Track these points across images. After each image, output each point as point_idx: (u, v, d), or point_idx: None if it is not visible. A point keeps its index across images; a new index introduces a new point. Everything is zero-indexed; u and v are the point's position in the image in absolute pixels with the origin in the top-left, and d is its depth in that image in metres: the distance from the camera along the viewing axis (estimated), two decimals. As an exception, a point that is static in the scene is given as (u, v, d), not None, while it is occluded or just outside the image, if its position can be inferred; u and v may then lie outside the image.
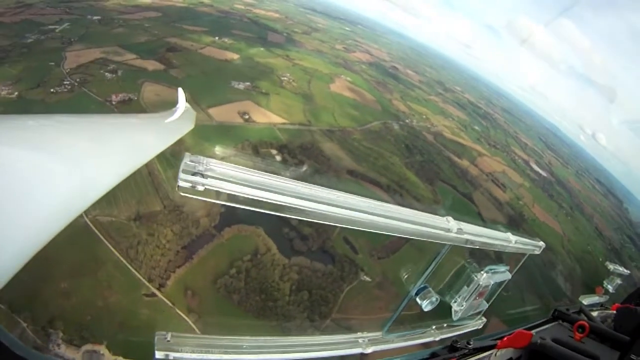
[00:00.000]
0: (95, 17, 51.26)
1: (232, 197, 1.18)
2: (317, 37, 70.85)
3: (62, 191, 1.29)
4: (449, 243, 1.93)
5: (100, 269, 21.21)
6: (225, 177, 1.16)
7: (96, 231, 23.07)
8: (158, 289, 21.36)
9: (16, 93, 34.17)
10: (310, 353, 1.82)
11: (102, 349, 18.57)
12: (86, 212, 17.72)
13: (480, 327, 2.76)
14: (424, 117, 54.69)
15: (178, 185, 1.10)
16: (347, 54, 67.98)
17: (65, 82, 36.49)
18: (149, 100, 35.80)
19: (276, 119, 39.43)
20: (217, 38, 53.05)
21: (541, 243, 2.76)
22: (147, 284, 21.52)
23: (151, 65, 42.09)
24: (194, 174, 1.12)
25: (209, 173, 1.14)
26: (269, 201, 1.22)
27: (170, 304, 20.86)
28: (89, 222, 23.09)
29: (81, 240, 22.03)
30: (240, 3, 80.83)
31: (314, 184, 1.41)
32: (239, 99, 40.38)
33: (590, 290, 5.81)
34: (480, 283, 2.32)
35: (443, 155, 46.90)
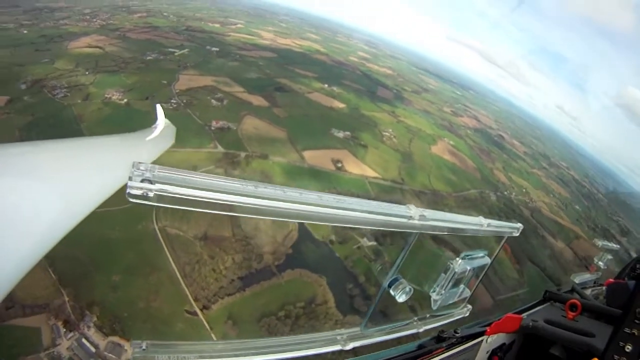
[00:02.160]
0: (214, 48, 56.14)
1: (181, 201, 1.22)
2: (426, 97, 71.38)
3: (47, 214, 1.41)
4: (415, 231, 1.94)
5: (153, 274, 22.40)
6: (173, 181, 1.20)
7: (161, 239, 24.42)
8: (201, 309, 21.76)
9: (125, 100, 38.48)
10: (288, 353, 1.83)
11: (127, 346, 19.13)
12: (156, 220, 22.00)
13: (467, 314, 2.72)
14: (524, 190, 52.89)
15: (128, 193, 1.13)
16: (454, 117, 67.50)
17: (172, 101, 40.04)
18: (246, 132, 37.78)
19: (369, 172, 39.36)
20: (326, 85, 54.85)
21: (518, 225, 2.70)
22: (193, 301, 22.05)
23: (257, 100, 44.55)
24: (142, 180, 1.16)
25: (157, 179, 1.18)
26: (220, 202, 1.28)
27: (208, 326, 21.27)
28: (157, 230, 24.70)
29: (145, 243, 23.98)
30: (355, 56, 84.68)
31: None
32: (335, 147, 41.14)
33: None
34: (456, 270, 2.29)
35: (537, 234, 44.57)
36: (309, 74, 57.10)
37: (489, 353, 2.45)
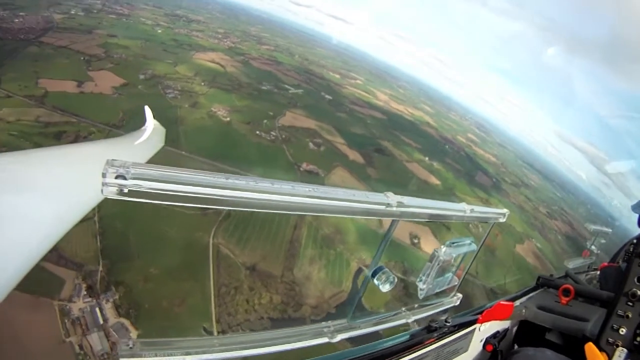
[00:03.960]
0: (327, 96, 57.99)
1: (156, 195, 1.24)
2: (524, 192, 68.85)
3: (42, 219, 1.57)
4: (394, 218, 1.95)
5: (189, 281, 23.19)
6: (147, 176, 1.23)
7: (211, 254, 25.46)
8: (219, 332, 21.91)
9: (228, 119, 40.62)
10: (276, 347, 1.85)
11: (133, 332, 20.51)
12: (214, 235, 23.25)
13: (457, 303, 2.62)
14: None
15: (102, 190, 1.16)
16: (548, 219, 63.59)
17: (272, 132, 41.49)
18: (333, 181, 37.86)
19: (443, 257, 37.95)
20: (427, 158, 54.20)
21: (505, 210, 2.69)
22: (214, 321, 22.48)
23: (353, 155, 44.78)
24: (116, 177, 1.19)
25: (131, 175, 1.21)
26: (194, 195, 1.30)
27: (217, 349, 21.29)
28: (211, 244, 25.83)
29: (195, 252, 25.05)
30: (463, 136, 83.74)
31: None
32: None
33: None
34: (441, 258, 2.28)
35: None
36: (413, 144, 57.09)
37: (482, 341, 2.42)
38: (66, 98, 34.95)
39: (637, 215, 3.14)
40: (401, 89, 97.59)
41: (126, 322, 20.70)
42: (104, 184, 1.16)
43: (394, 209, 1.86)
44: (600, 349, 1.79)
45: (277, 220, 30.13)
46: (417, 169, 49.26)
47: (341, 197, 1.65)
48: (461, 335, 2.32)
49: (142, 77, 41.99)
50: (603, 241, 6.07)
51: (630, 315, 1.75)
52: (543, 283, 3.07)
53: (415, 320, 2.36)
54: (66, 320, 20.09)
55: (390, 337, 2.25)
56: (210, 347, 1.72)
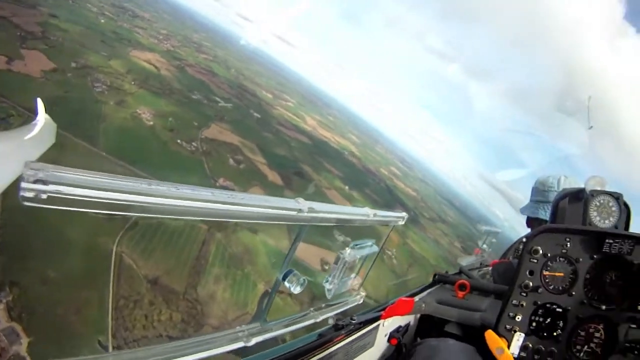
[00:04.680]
0: (256, 114, 58.91)
1: (75, 202, 1.17)
2: (440, 227, 72.09)
3: None
4: (304, 223, 2.06)
5: (87, 290, 22.08)
6: (68, 181, 1.15)
7: (113, 263, 24.80)
8: (114, 347, 21.39)
9: (152, 123, 40.57)
10: (191, 356, 1.81)
11: (24, 340, 19.47)
12: (118, 243, 23.34)
13: (361, 301, 2.91)
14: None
15: (20, 196, 1.08)
16: (462, 253, 65.85)
17: (193, 143, 41.93)
18: None
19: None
20: (347, 187, 56.15)
21: (404, 214, 2.94)
22: (110, 336, 21.84)
23: (273, 176, 46.03)
24: (35, 181, 1.10)
25: (51, 179, 1.13)
26: (114, 202, 1.24)
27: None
28: (114, 252, 24.97)
29: (97, 259, 24.35)
30: (386, 169, 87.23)
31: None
32: (330, 249, 41.22)
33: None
34: (346, 259, 2.43)
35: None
36: (335, 171, 58.96)
37: (387, 336, 2.58)
38: (-9, 73, 33.33)
39: (525, 217, 3.61)
40: (331, 117, 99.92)
41: (18, 327, 19.80)
42: (22, 189, 1.07)
43: (305, 214, 1.93)
44: (500, 335, 1.99)
45: (186, 233, 30.19)
46: (335, 197, 50.71)
47: (254, 203, 1.69)
48: (367, 332, 2.41)
49: (73, 65, 41.40)
50: (494, 240, 6.65)
51: (524, 304, 1.97)
52: (439, 279, 3.33)
53: (324, 320, 2.50)
54: (-52, 327, 19.43)
55: (300, 338, 2.30)
56: None
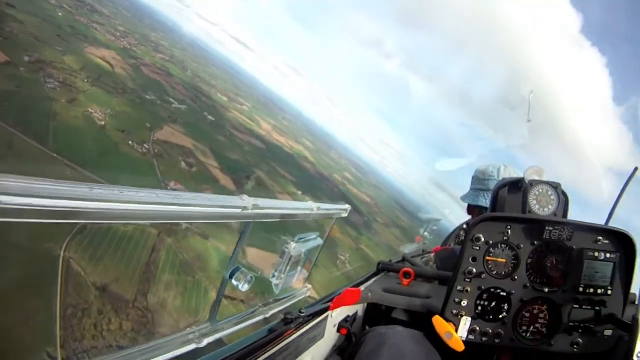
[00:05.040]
0: (210, 117, 58.91)
1: (12, 213, 1.05)
2: (394, 233, 72.74)
3: None
4: (250, 220, 2.06)
5: (34, 299, 20.79)
6: (10, 190, 1.03)
7: (60, 270, 24.23)
8: (63, 358, 20.76)
9: (103, 123, 40.33)
10: None
11: None
12: (65, 248, 22.83)
13: (308, 294, 2.97)
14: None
15: None
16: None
17: (145, 145, 41.81)
18: None
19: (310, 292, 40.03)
20: (300, 192, 56.68)
21: (347, 206, 3.02)
22: (59, 347, 21.11)
23: (225, 180, 46.23)
24: None
25: None
26: (53, 209, 1.14)
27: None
28: (61, 258, 24.48)
29: (43, 266, 23.14)
30: (340, 175, 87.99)
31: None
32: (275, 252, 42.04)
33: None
34: (292, 253, 2.46)
35: None
36: (288, 176, 59.31)
37: (336, 326, 2.58)
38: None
39: (466, 205, 3.65)
40: (286, 122, 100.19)
41: None
42: None
43: (250, 211, 1.90)
44: (447, 320, 2.04)
45: (136, 239, 29.68)
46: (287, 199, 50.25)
47: (199, 203, 1.62)
48: (316, 324, 2.39)
49: (27, 59, 40.44)
50: (435, 228, 6.75)
51: (469, 289, 2.03)
52: (383, 268, 3.31)
53: (273, 315, 2.51)
54: None
55: (251, 335, 2.24)
56: None
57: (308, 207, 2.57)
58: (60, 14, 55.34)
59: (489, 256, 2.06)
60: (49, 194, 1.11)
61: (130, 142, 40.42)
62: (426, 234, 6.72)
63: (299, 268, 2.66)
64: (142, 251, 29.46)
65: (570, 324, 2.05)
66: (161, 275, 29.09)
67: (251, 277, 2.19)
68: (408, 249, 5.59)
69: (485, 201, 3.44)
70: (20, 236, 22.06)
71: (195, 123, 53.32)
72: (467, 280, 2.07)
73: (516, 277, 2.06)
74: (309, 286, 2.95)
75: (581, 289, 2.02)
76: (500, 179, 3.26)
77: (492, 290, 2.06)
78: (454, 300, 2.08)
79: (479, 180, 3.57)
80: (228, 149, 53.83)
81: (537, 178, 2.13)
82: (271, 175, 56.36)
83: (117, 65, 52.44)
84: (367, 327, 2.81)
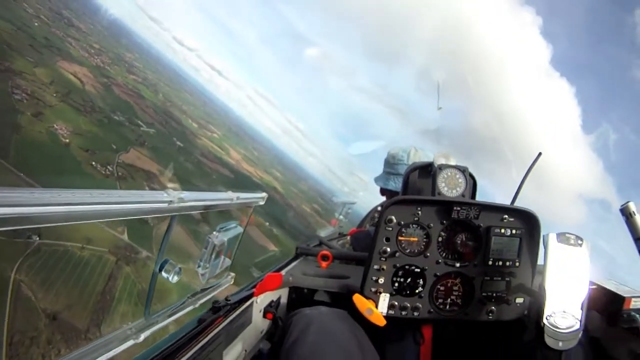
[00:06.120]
0: (179, 143, 58.44)
1: None
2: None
3: None
4: (175, 214, 1.96)
5: None
6: None
7: (9, 292, 23.71)
8: None
9: (68, 141, 39.61)
10: None
11: None
12: (17, 269, 21.91)
13: (232, 282, 2.91)
14: None
15: None
16: None
17: (109, 166, 41.37)
18: (161, 231, 37.34)
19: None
20: (267, 224, 56.10)
21: (264, 194, 2.94)
22: None
23: None
24: None
25: None
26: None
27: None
28: (11, 280, 24.13)
29: None
30: (308, 206, 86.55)
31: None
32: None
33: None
34: (215, 242, 2.37)
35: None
36: (261, 211, 58.12)
37: (262, 312, 2.65)
38: None
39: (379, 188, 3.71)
40: (256, 151, 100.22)
41: None
42: None
43: (176, 205, 1.73)
44: (367, 298, 2.12)
45: (92, 265, 29.22)
46: (256, 234, 50.60)
47: (123, 200, 1.39)
48: (242, 310, 2.42)
49: None
50: (350, 211, 6.84)
51: (385, 268, 2.10)
52: (301, 252, 3.39)
53: (201, 304, 2.40)
54: None
55: (183, 326, 2.21)
56: None
57: (228, 197, 2.42)
58: (36, 24, 55.02)
59: (402, 236, 2.14)
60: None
61: (93, 163, 39.80)
62: (341, 217, 6.82)
63: (222, 256, 2.55)
64: (97, 278, 28.81)
65: (483, 294, 2.17)
66: (117, 305, 28.28)
67: (179, 268, 2.06)
68: (324, 232, 5.72)
69: (394, 184, 3.53)
70: None
71: (163, 148, 52.99)
72: (382, 259, 2.14)
73: (428, 254, 2.15)
74: (232, 274, 2.87)
75: (490, 263, 2.13)
76: (410, 162, 3.35)
77: (406, 267, 2.15)
78: (372, 279, 2.15)
79: (389, 164, 3.62)
80: (195, 176, 53.38)
81: (444, 161, 2.22)
82: (267, 226, 55.82)
83: (88, 83, 51.96)
84: (291, 311, 2.67)
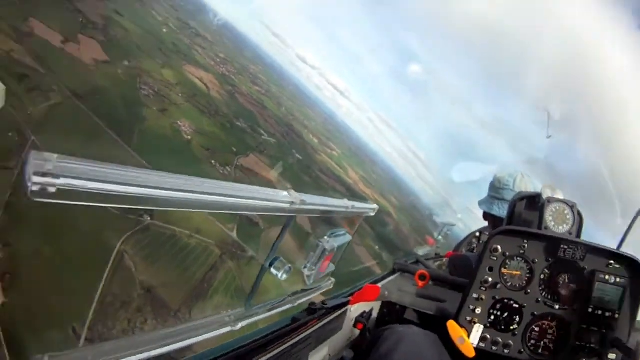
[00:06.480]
0: (298, 155, 57.91)
1: (87, 196, 1.13)
2: None
3: None
4: (294, 215, 2.15)
5: (79, 274, 22.35)
6: (79, 174, 1.10)
7: (112, 259, 24.69)
8: (87, 339, 20.88)
9: (190, 138, 40.50)
10: (186, 341, 1.84)
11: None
12: (124, 241, 23.78)
13: (331, 287, 3.07)
14: None
15: (29, 191, 1.01)
16: None
17: (228, 168, 41.32)
18: (270, 237, 37.88)
19: None
20: (377, 247, 53.70)
21: (375, 205, 3.22)
22: (86, 327, 21.34)
23: (302, 221, 42.93)
24: (44, 174, 1.02)
25: (60, 171, 1.06)
26: (123, 194, 1.21)
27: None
28: (116, 249, 25.26)
29: (98, 250, 24.62)
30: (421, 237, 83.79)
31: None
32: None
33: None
34: (326, 247, 2.56)
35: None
36: (368, 229, 55.16)
37: (353, 321, 2.76)
38: (46, 47, 34.23)
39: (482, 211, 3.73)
40: (374, 174, 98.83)
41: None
42: (32, 182, 1.00)
43: (297, 206, 2.00)
44: (460, 326, 2.09)
45: (197, 253, 29.53)
46: (364, 255, 49.11)
47: (248, 195, 1.72)
48: (337, 316, 2.57)
49: (126, 63, 41.54)
50: (448, 233, 7.21)
51: (483, 298, 2.11)
52: (399, 268, 3.49)
53: (299, 304, 2.65)
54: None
55: (278, 321, 2.45)
56: (123, 350, 1.63)
57: (344, 204, 2.73)
58: (164, 31, 57.54)
59: (505, 268, 2.15)
60: (115, 180, 1.19)
61: (212, 161, 40.19)
62: (440, 237, 7.03)
63: (329, 262, 2.78)
64: (200, 267, 29.46)
65: (577, 343, 2.11)
66: (213, 294, 28.61)
67: (289, 267, 2.33)
68: (422, 251, 5.99)
69: (498, 210, 3.47)
70: (85, 219, 22.89)
71: (282, 158, 52.72)
72: (482, 288, 2.15)
73: (529, 291, 2.13)
74: (333, 279, 3.09)
75: (590, 310, 2.07)
76: (516, 188, 3.38)
77: (505, 301, 2.14)
78: (469, 307, 2.16)
79: (495, 188, 3.59)
80: (311, 189, 51.16)
81: (550, 193, 2.20)
82: (351, 225, 53.69)
83: (213, 89, 53.14)
84: (380, 325, 3.03)
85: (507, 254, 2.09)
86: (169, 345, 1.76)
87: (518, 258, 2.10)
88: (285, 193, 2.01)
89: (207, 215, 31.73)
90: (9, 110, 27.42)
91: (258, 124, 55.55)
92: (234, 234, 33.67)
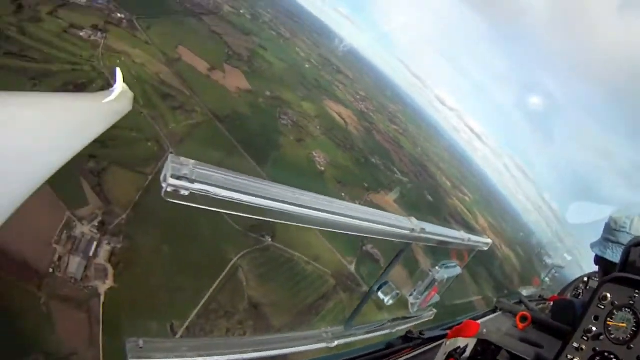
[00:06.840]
0: (430, 197, 57.04)
1: (215, 202, 1.24)
2: None
3: (6, 177, 1.35)
4: (412, 242, 2.23)
5: (189, 280, 23.18)
6: (213, 181, 1.21)
7: (226, 271, 25.66)
8: (182, 336, 21.14)
9: (324, 169, 41.99)
10: (280, 350, 1.90)
11: (108, 282, 21.76)
12: (241, 256, 24.21)
13: (432, 317, 3.14)
14: None
15: (165, 191, 1.14)
16: None
17: (356, 202, 39.37)
18: (390, 276, 38.67)
19: None
20: (495, 299, 52.18)
21: (489, 240, 3.20)
22: (185, 326, 22.17)
23: (424, 262, 43.58)
24: (179, 177, 1.15)
25: (194, 177, 1.18)
26: (251, 204, 1.31)
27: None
28: (232, 262, 26.28)
29: (214, 261, 25.73)
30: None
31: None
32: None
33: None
34: (436, 277, 2.62)
35: None
36: (491, 280, 55.12)
37: (446, 355, 2.57)
38: (192, 73, 37.14)
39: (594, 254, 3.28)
40: (504, 223, 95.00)
41: (110, 270, 21.78)
42: (168, 184, 1.12)
43: (416, 234, 2.08)
44: None
45: (311, 280, 30.08)
46: (481, 305, 46.02)
47: (372, 219, 1.76)
48: (431, 348, 2.49)
49: (268, 93, 43.95)
50: (557, 275, 6.90)
51: (584, 348, 1.90)
52: (501, 308, 3.31)
53: (397, 330, 2.69)
54: (65, 232, 21.63)
55: (369, 345, 2.46)
56: (218, 348, 1.73)
57: (461, 236, 2.78)
58: (307, 66, 60.37)
59: (611, 318, 1.93)
60: (248, 191, 1.31)
61: (343, 194, 40.14)
62: (547, 279, 6.84)
63: (435, 293, 2.81)
64: (311, 293, 29.62)
65: None
66: (319, 322, 27.67)
67: (397, 292, 2.45)
68: (526, 291, 5.62)
69: (612, 254, 3.00)
70: (206, 230, 24.41)
71: (413, 198, 52.09)
72: (584, 338, 1.97)
73: (632, 346, 1.88)
74: (435, 310, 3.12)
75: None
76: (633, 231, 2.90)
77: (606, 354, 1.91)
78: (567, 357, 2.00)
79: (610, 230, 3.10)
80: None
81: None
82: (473, 274, 51.14)
83: (351, 124, 54.26)
84: None
85: (616, 303, 1.87)
86: (261, 351, 1.83)
87: (626, 309, 1.86)
88: (407, 220, 2.09)
89: (328, 245, 32.04)
90: (150, 121, 29.71)
91: (393, 162, 55.45)
92: (352, 267, 33.64)
